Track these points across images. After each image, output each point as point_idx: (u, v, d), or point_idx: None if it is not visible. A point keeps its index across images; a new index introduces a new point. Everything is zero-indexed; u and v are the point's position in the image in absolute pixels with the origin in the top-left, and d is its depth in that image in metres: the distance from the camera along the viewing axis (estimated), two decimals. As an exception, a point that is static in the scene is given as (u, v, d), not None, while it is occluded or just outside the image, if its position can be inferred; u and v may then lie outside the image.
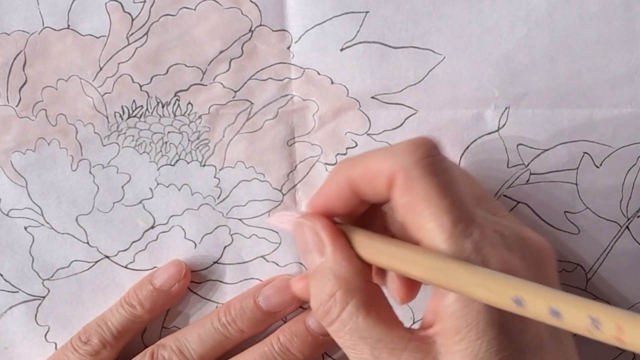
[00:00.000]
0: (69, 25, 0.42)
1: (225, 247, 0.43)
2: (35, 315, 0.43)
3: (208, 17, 0.42)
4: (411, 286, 0.36)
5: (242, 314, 0.41)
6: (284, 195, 0.43)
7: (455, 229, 0.32)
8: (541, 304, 0.28)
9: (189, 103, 0.43)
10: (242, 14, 0.42)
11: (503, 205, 0.38)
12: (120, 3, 0.42)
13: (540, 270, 0.34)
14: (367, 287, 0.34)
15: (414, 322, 0.43)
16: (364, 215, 0.36)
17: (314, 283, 0.35)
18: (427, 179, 0.32)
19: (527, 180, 0.42)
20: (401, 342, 0.33)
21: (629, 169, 0.42)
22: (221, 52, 0.42)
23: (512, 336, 0.32)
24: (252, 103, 0.43)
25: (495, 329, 0.31)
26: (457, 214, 0.32)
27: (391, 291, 0.36)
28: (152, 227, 0.43)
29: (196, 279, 0.43)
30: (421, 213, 0.32)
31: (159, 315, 0.43)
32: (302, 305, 0.43)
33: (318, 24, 0.42)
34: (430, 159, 0.32)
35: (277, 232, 0.43)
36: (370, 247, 0.34)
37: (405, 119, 0.42)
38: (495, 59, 0.42)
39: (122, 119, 0.43)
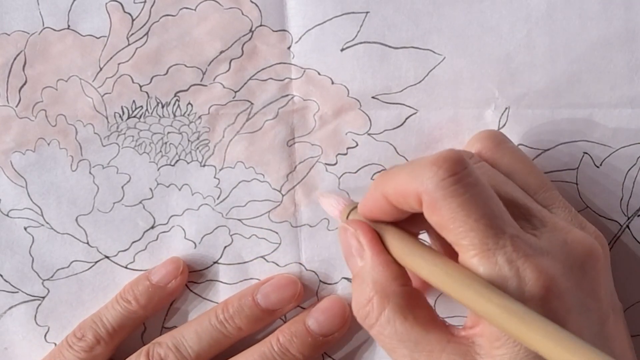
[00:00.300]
0: (69, 26, 0.42)
1: (225, 247, 0.43)
2: (35, 316, 0.43)
3: (208, 18, 0.42)
4: None
5: (240, 311, 0.41)
6: (283, 195, 0.43)
7: (485, 245, 0.32)
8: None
9: (189, 103, 0.43)
10: (243, 14, 0.42)
11: (560, 196, 0.38)
12: (121, 3, 0.42)
13: (584, 275, 0.33)
14: (404, 291, 0.35)
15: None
16: (415, 215, 0.36)
17: (355, 286, 0.36)
18: (451, 200, 0.32)
19: (528, 181, 0.42)
20: (439, 344, 0.34)
21: (629, 169, 0.42)
22: (221, 52, 0.42)
23: None
24: (252, 103, 0.43)
25: None
26: (485, 230, 0.32)
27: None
28: (152, 227, 0.43)
29: (196, 279, 0.43)
30: (451, 232, 0.33)
31: (155, 313, 0.43)
32: (302, 305, 0.43)
33: (318, 24, 0.42)
34: (452, 178, 0.32)
35: (276, 233, 0.43)
36: (407, 254, 0.35)
37: (406, 119, 0.42)
38: (495, 59, 0.42)
39: (122, 120, 0.43)
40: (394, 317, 0.34)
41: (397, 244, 0.36)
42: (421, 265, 0.34)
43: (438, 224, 0.33)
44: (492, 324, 0.31)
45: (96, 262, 0.43)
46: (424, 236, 0.38)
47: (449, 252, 0.34)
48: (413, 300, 0.35)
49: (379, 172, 0.42)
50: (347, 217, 0.38)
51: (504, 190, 0.36)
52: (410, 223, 0.37)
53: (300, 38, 0.42)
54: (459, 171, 0.32)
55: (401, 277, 0.35)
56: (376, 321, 0.35)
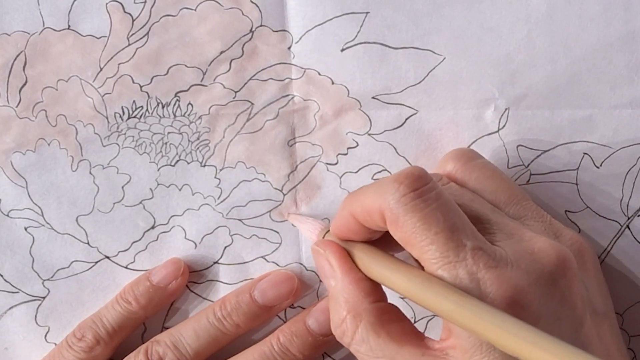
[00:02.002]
0: (69, 26, 0.42)
1: (225, 247, 0.43)
2: (35, 316, 0.43)
3: (208, 18, 0.42)
4: None
5: (237, 308, 0.41)
6: (284, 195, 0.43)
7: (446, 258, 0.32)
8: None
9: (189, 103, 0.43)
10: (243, 14, 0.42)
11: (533, 207, 0.38)
12: (121, 3, 0.42)
13: (553, 284, 0.33)
14: (375, 308, 0.35)
15: (415, 321, 0.43)
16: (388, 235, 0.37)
17: (330, 306, 0.37)
18: (410, 215, 0.33)
19: (528, 181, 0.42)
20: (413, 357, 0.34)
21: (629, 169, 0.42)
22: (222, 52, 0.42)
23: None
24: (252, 103, 0.43)
25: (499, 349, 0.32)
26: (445, 242, 0.32)
27: None
28: (153, 228, 0.43)
29: (196, 279, 0.43)
30: (414, 247, 0.33)
31: (155, 313, 0.43)
32: (302, 305, 0.43)
33: (318, 25, 0.42)
34: (413, 193, 0.33)
35: (277, 232, 0.43)
36: (374, 267, 0.36)
37: (406, 119, 0.42)
38: (495, 60, 0.42)
39: (122, 120, 0.43)
40: (367, 334, 0.35)
41: (365, 259, 0.36)
42: (386, 275, 0.35)
43: (402, 240, 0.34)
44: (450, 322, 0.32)
45: (96, 262, 0.43)
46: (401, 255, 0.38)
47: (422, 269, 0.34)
48: (386, 316, 0.35)
49: (379, 172, 0.42)
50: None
51: (470, 207, 0.36)
52: (385, 243, 0.37)
53: (300, 38, 0.42)
54: (419, 186, 0.33)
55: (373, 294, 0.36)
56: (352, 339, 0.35)
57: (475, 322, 0.30)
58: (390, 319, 0.35)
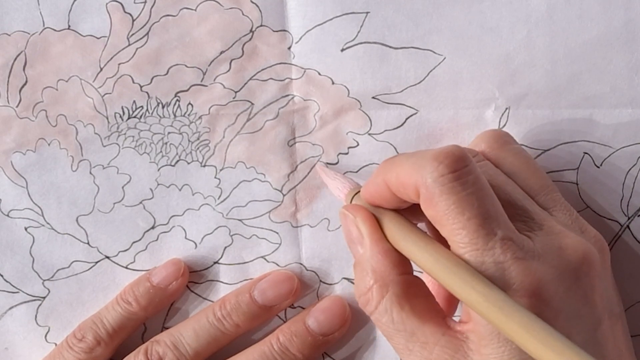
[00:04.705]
0: (69, 26, 0.42)
1: (225, 247, 0.43)
2: (36, 316, 0.43)
3: (209, 18, 0.42)
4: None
5: (237, 308, 0.41)
6: (284, 195, 0.43)
7: (475, 245, 0.32)
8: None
9: (189, 104, 0.43)
10: (243, 14, 0.42)
11: (562, 199, 0.38)
12: (121, 3, 0.42)
13: (576, 281, 0.33)
14: (402, 280, 0.35)
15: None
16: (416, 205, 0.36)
17: (356, 273, 0.37)
18: (447, 196, 0.32)
19: (528, 181, 0.42)
20: (433, 336, 0.34)
21: (629, 169, 0.42)
22: (222, 52, 0.42)
23: None
24: (252, 103, 0.43)
25: None
26: (476, 229, 0.32)
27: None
28: (153, 228, 0.43)
29: (196, 280, 0.43)
30: (444, 227, 0.33)
31: (155, 314, 0.43)
32: (302, 305, 0.43)
33: (319, 25, 0.42)
34: (451, 175, 0.33)
35: (277, 233, 0.43)
36: (402, 240, 0.35)
37: (407, 119, 0.42)
38: (495, 60, 0.42)
39: (123, 120, 0.43)
40: (391, 306, 0.35)
41: (394, 230, 0.36)
42: (413, 251, 0.34)
43: (433, 218, 0.33)
44: (475, 311, 0.32)
45: (96, 262, 0.43)
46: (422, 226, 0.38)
47: (443, 245, 0.34)
48: (412, 289, 0.35)
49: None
50: (351, 201, 0.38)
51: (504, 191, 0.36)
52: (411, 212, 0.37)
53: (300, 38, 0.42)
54: (459, 168, 0.33)
55: (400, 266, 0.35)
56: (375, 309, 0.35)
57: (500, 320, 0.30)
58: (415, 293, 0.35)
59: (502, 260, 0.32)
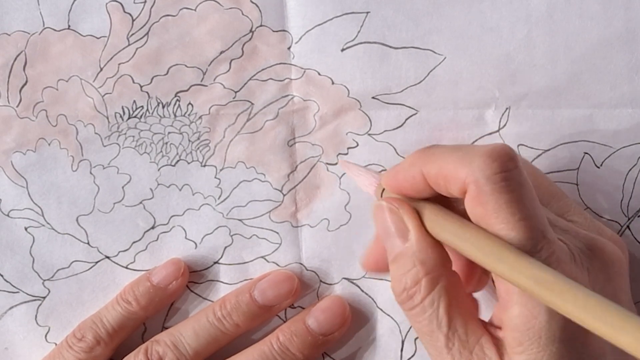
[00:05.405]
0: (69, 26, 0.42)
1: (225, 247, 0.43)
2: (36, 316, 0.43)
3: (208, 18, 0.42)
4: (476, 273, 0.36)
5: (237, 308, 0.41)
6: (284, 195, 0.43)
7: (524, 247, 0.32)
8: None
9: (190, 103, 0.43)
10: (243, 14, 0.42)
11: (574, 203, 0.38)
12: (121, 3, 0.42)
13: (608, 282, 0.33)
14: (450, 275, 0.34)
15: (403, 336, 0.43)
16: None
17: (396, 267, 0.35)
18: (498, 196, 0.32)
19: (528, 181, 0.42)
20: (474, 336, 0.34)
21: (630, 169, 0.42)
22: (221, 52, 0.42)
23: (573, 350, 0.32)
24: (252, 103, 0.43)
25: (557, 344, 0.32)
26: (526, 231, 0.32)
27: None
28: (153, 228, 0.43)
29: (197, 279, 0.43)
30: (492, 226, 0.32)
31: (155, 314, 0.43)
32: (302, 305, 0.43)
33: (318, 25, 0.42)
34: (504, 174, 0.32)
35: (277, 233, 0.43)
36: (445, 231, 0.34)
37: (406, 119, 0.42)
38: (495, 60, 0.42)
39: (123, 120, 0.43)
40: (439, 300, 0.34)
41: (436, 221, 0.35)
42: (458, 243, 0.33)
43: (480, 216, 0.33)
44: (531, 296, 0.31)
45: (96, 262, 0.43)
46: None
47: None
48: (456, 287, 0.34)
49: (379, 172, 0.42)
50: (381, 194, 0.37)
51: (535, 186, 0.35)
52: (438, 201, 0.36)
53: (300, 38, 0.42)
54: (511, 168, 0.32)
55: (448, 260, 0.35)
56: (420, 303, 0.34)
57: (554, 302, 0.29)
58: (459, 290, 0.35)
59: (547, 263, 0.31)
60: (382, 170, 0.42)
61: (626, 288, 0.35)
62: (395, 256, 0.35)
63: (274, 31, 0.42)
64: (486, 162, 0.32)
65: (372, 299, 0.43)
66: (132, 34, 0.42)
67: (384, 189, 0.37)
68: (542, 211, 0.33)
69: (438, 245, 0.35)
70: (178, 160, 0.43)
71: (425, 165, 0.34)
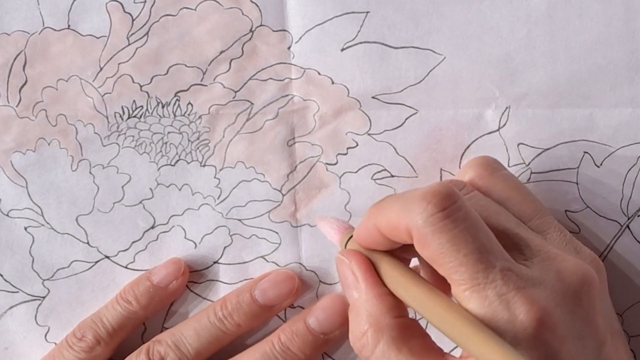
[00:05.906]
0: (69, 26, 0.42)
1: (225, 247, 0.43)
2: (35, 316, 0.43)
3: (208, 17, 0.42)
4: None
5: (238, 308, 0.41)
6: (283, 195, 0.43)
7: (475, 280, 0.32)
8: None
9: (189, 103, 0.43)
10: (243, 14, 0.42)
11: (554, 222, 0.38)
12: (121, 3, 0.42)
13: (578, 303, 0.33)
14: (398, 323, 0.35)
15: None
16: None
17: (350, 318, 0.36)
18: (440, 235, 0.32)
19: (528, 180, 0.42)
20: None
21: (630, 169, 0.42)
22: (221, 52, 0.42)
23: None
24: (252, 103, 0.43)
25: None
26: (474, 264, 0.32)
27: None
28: (153, 227, 0.43)
29: (196, 279, 0.43)
30: (442, 267, 0.33)
31: (155, 313, 0.43)
32: (302, 305, 0.43)
33: (318, 24, 0.42)
34: (441, 213, 0.32)
35: (276, 233, 0.43)
36: (400, 286, 0.35)
37: (406, 119, 0.42)
38: (495, 59, 0.42)
39: (122, 119, 0.43)
40: (389, 349, 0.34)
41: (391, 274, 0.36)
42: (412, 299, 0.34)
43: (429, 258, 0.33)
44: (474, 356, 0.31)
45: (96, 262, 0.43)
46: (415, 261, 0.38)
47: (440, 280, 0.34)
48: (408, 331, 0.35)
49: (379, 172, 0.42)
50: (346, 245, 0.38)
51: (496, 221, 0.36)
52: (404, 250, 0.36)
53: (300, 38, 0.42)
54: (448, 206, 0.32)
55: (395, 309, 0.35)
56: (372, 354, 0.35)
57: None
58: (411, 335, 0.35)
59: (504, 291, 0.32)
60: (378, 173, 0.42)
61: (601, 309, 0.34)
62: (350, 307, 0.36)
63: (274, 31, 0.42)
64: (422, 205, 0.32)
65: (372, 299, 0.43)
66: (132, 34, 0.42)
67: (348, 240, 0.38)
68: (491, 240, 0.33)
69: (386, 295, 0.35)
70: (178, 160, 0.43)
71: (376, 219, 0.35)
